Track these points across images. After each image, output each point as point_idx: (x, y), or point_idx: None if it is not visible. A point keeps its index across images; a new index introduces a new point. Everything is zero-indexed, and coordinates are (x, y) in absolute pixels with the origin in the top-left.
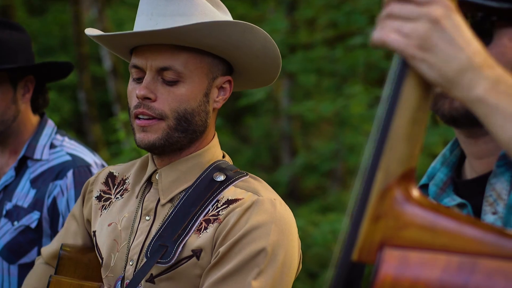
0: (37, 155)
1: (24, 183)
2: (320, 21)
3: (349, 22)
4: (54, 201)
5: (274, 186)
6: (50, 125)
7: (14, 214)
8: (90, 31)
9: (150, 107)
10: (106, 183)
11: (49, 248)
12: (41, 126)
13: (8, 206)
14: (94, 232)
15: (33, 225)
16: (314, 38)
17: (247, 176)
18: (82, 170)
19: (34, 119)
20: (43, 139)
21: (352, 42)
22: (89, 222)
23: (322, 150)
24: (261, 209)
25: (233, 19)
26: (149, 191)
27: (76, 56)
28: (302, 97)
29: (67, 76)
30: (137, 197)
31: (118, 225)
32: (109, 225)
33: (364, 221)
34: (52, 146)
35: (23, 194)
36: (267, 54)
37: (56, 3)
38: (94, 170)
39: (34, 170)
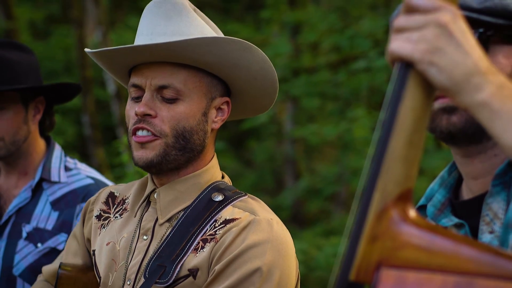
0: (54, 178)
1: (43, 206)
2: (324, 45)
3: (352, 46)
4: (72, 219)
5: (278, 209)
6: (58, 148)
7: (37, 236)
8: (90, 50)
9: (150, 123)
10: (106, 202)
11: (50, 266)
12: (50, 149)
13: (28, 228)
14: (94, 251)
15: (60, 247)
16: (317, 62)
17: (246, 196)
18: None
19: (41, 141)
20: (55, 162)
21: (355, 66)
22: (89, 241)
23: (326, 173)
24: (258, 229)
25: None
26: (147, 210)
27: (80, 80)
28: (306, 121)
29: (74, 98)
30: (135, 216)
31: (117, 245)
32: (107, 244)
33: (361, 242)
34: (67, 168)
35: (44, 217)
36: (265, 76)
37: (60, 26)
38: None
39: (52, 193)
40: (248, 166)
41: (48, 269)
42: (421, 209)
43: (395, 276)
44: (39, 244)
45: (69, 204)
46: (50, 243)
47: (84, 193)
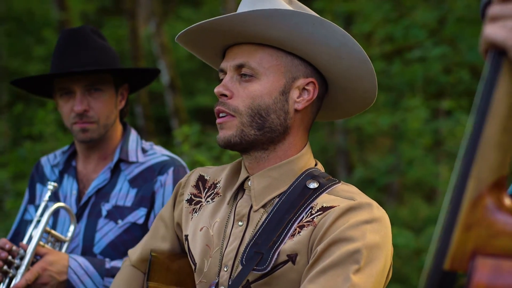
0: (132, 158)
1: (122, 184)
2: (378, 36)
3: (407, 36)
4: (153, 195)
5: None
6: (134, 132)
7: (117, 214)
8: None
9: (225, 104)
10: (196, 186)
11: (136, 251)
12: (127, 133)
13: (107, 207)
14: (186, 236)
15: (140, 221)
16: (371, 52)
17: (340, 184)
18: (181, 170)
19: (120, 126)
20: (132, 144)
21: (410, 56)
22: (179, 225)
23: (379, 164)
24: (358, 212)
25: None
26: (241, 197)
27: None
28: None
29: (148, 84)
30: (228, 203)
31: (210, 230)
32: (200, 229)
33: (456, 230)
34: (143, 150)
35: (123, 195)
36: (351, 55)
37: (112, 18)
38: (188, 172)
39: (129, 172)
40: None
41: (134, 254)
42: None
43: (491, 264)
44: (119, 221)
45: (147, 180)
46: (130, 218)
47: (160, 167)
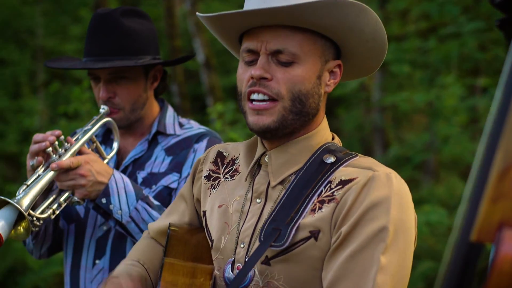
0: (169, 131)
1: (158, 153)
2: (413, 13)
3: (442, 13)
4: (185, 159)
5: None
6: (171, 108)
7: (152, 180)
8: (201, 14)
9: (267, 86)
10: (215, 162)
11: (156, 224)
12: (164, 109)
13: (143, 174)
14: (204, 212)
15: (173, 185)
16: (406, 30)
17: (357, 157)
18: (216, 140)
19: (156, 104)
20: (169, 119)
21: (444, 31)
22: (198, 201)
23: (415, 142)
24: (378, 185)
25: None
26: (258, 173)
27: (169, 50)
28: (395, 89)
29: (184, 62)
30: (246, 180)
31: (230, 208)
32: (219, 206)
33: (483, 202)
34: (180, 125)
35: (158, 162)
36: (376, 38)
37: None
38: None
39: (166, 143)
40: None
41: (154, 226)
42: None
43: None
44: (153, 186)
45: (183, 147)
46: (163, 182)
47: (197, 136)
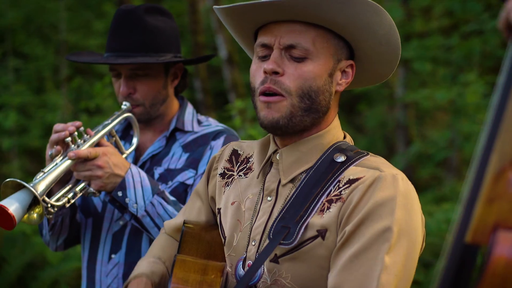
0: (187, 128)
1: (175, 150)
2: (436, 10)
3: (464, 10)
4: (201, 156)
5: None
6: (190, 106)
7: (168, 176)
8: (217, 6)
9: (277, 82)
10: (230, 160)
11: (173, 221)
12: (183, 106)
13: (159, 170)
14: (219, 209)
15: (188, 182)
16: (429, 26)
17: (368, 156)
18: (233, 138)
19: (176, 101)
20: (188, 116)
21: (467, 28)
22: (213, 199)
23: (437, 139)
24: (384, 185)
25: None
26: (269, 171)
27: (192, 45)
28: (417, 86)
29: (205, 61)
30: (258, 177)
31: (242, 206)
32: (232, 203)
33: (478, 203)
34: (199, 122)
35: (175, 159)
36: (389, 42)
37: None
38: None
39: (184, 140)
40: (359, 132)
41: (170, 224)
42: None
43: None
44: (169, 182)
45: (200, 144)
46: (179, 178)
47: (214, 133)
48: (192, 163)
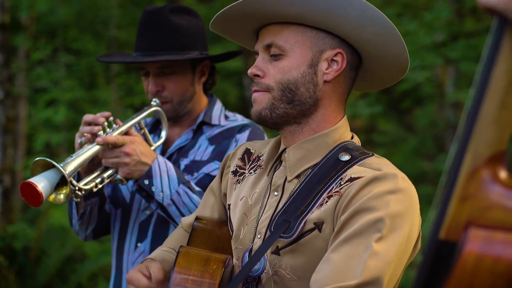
0: (214, 121)
1: (201, 142)
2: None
3: None
4: (227, 148)
5: (438, 175)
6: (219, 102)
7: (194, 167)
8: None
9: (259, 83)
10: (242, 158)
11: (189, 218)
12: (212, 102)
13: (185, 162)
14: (229, 205)
15: (213, 173)
16: (479, 26)
17: (373, 156)
18: (258, 132)
19: (204, 98)
20: (216, 111)
21: None
22: (225, 195)
23: None
24: (383, 182)
25: (401, 3)
26: (279, 168)
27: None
28: (466, 86)
29: (232, 58)
30: (268, 174)
31: (249, 200)
32: (241, 199)
33: (452, 201)
34: (226, 117)
35: (201, 151)
36: (373, 22)
37: None
38: (266, 136)
39: (210, 133)
40: (409, 131)
41: (187, 220)
42: None
43: (483, 236)
44: (195, 173)
45: (226, 137)
46: (205, 169)
47: (240, 127)
48: (218, 155)
